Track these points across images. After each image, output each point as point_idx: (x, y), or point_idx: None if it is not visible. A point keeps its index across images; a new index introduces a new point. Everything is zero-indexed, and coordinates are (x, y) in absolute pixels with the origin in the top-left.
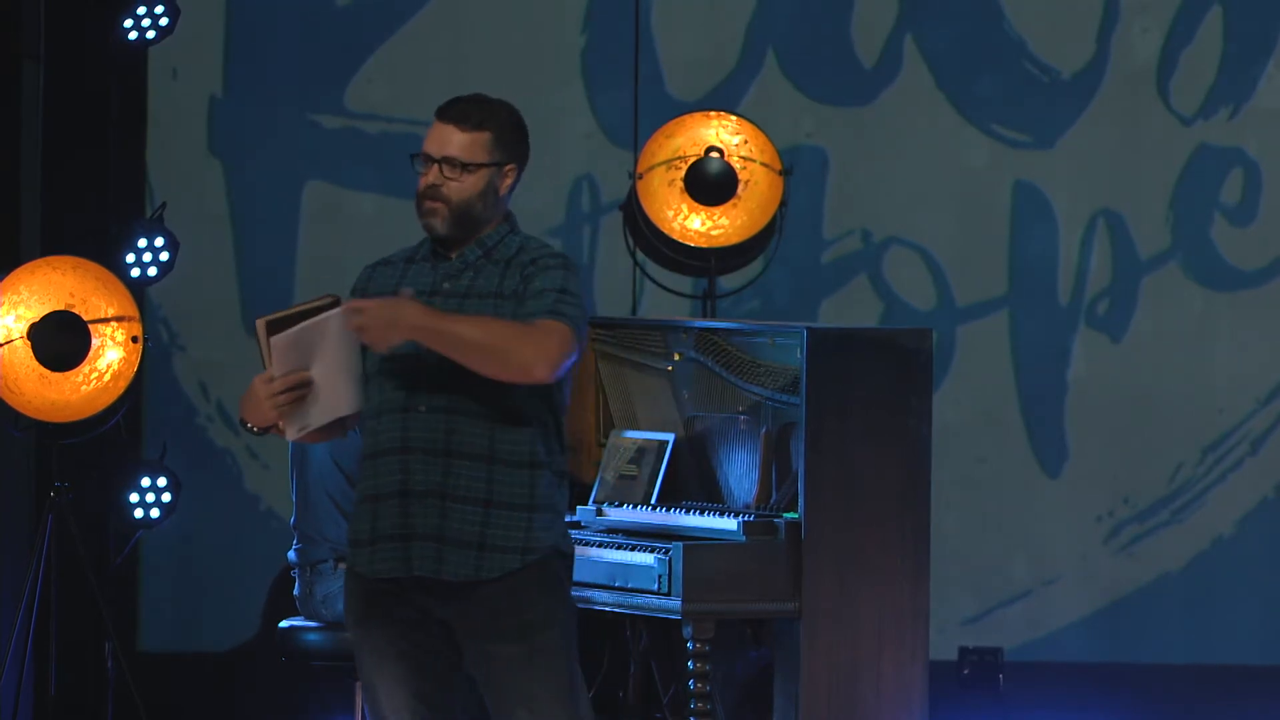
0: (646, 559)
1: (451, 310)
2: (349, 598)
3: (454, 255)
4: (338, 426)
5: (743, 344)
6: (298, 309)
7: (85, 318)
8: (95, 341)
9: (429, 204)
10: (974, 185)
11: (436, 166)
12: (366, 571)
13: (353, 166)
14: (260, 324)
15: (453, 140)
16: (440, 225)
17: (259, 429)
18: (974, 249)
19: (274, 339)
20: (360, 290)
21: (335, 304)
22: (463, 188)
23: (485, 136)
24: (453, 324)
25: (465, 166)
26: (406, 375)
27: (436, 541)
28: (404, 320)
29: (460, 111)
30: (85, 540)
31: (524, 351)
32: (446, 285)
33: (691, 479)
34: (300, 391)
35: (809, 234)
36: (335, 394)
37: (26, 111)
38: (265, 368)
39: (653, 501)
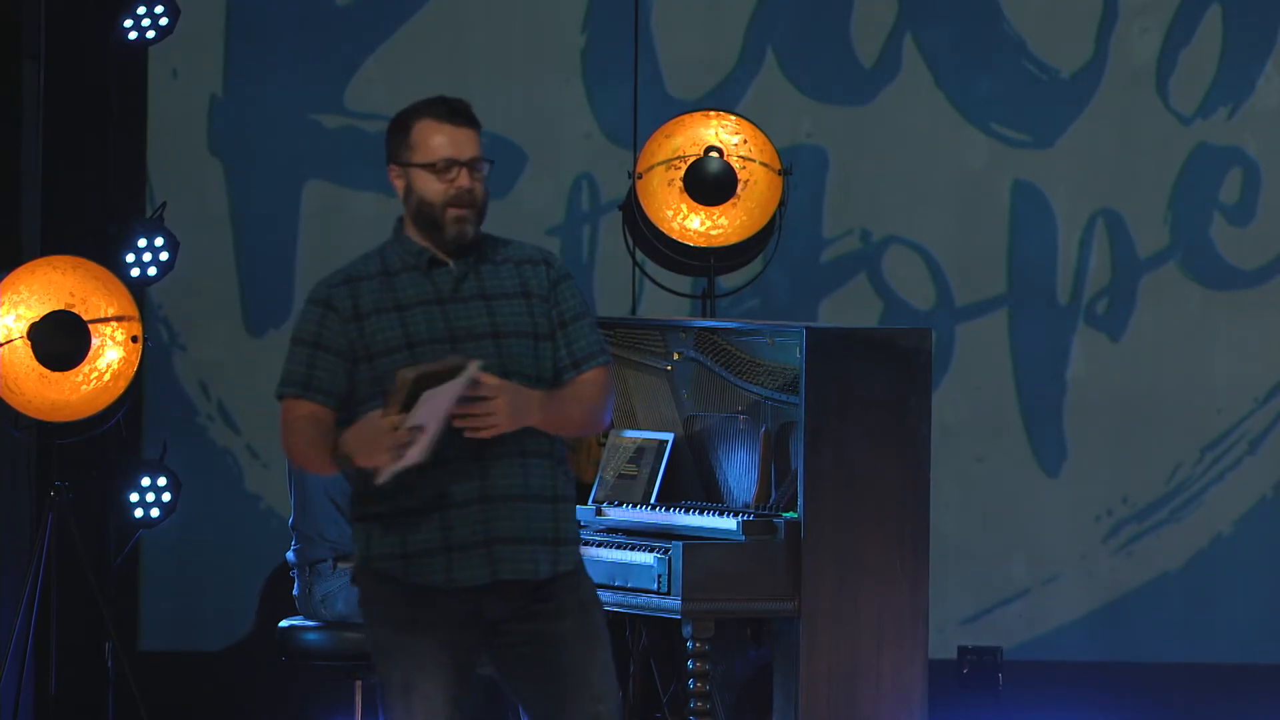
0: (646, 558)
1: (478, 313)
2: (388, 604)
3: (452, 261)
4: None
5: (742, 343)
6: (432, 369)
7: (85, 317)
8: (95, 341)
9: (463, 210)
10: (973, 184)
11: (466, 170)
12: (441, 582)
13: (353, 166)
14: (410, 375)
15: (474, 141)
16: (471, 230)
17: (353, 468)
18: (973, 248)
19: (427, 394)
20: (349, 310)
21: (460, 367)
22: (483, 187)
23: (478, 133)
24: (560, 409)
25: (488, 164)
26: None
27: (524, 543)
28: (531, 413)
29: (466, 112)
30: (85, 540)
31: (606, 414)
32: (462, 290)
33: (691, 478)
34: (408, 450)
35: (808, 233)
36: (426, 444)
37: (27, 111)
38: (388, 415)
39: (652, 501)
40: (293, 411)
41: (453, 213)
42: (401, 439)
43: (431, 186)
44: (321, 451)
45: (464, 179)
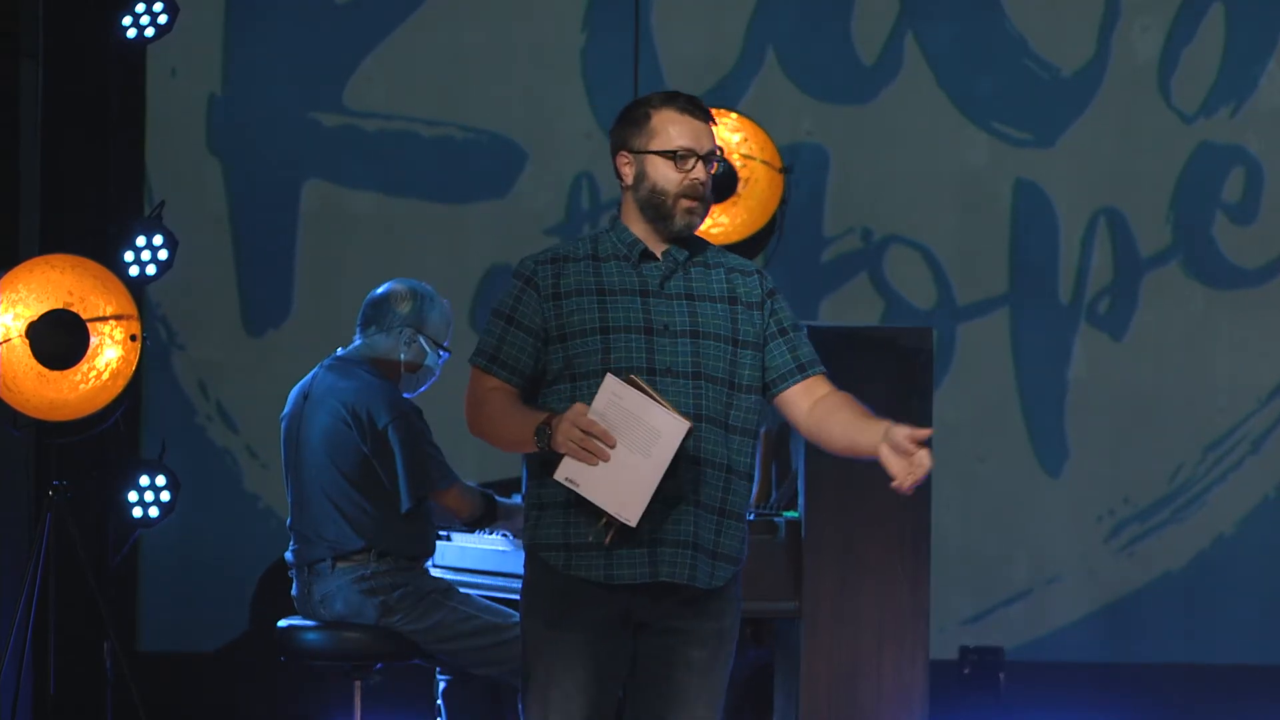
0: None
1: (680, 311)
2: (540, 597)
3: (661, 254)
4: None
5: None
6: (647, 389)
7: (84, 316)
8: (94, 340)
9: (694, 202)
10: (975, 183)
11: (702, 162)
12: (601, 577)
13: (352, 165)
14: (629, 376)
15: (711, 135)
16: (699, 222)
17: (549, 449)
18: (975, 247)
19: (611, 379)
20: (549, 288)
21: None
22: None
23: (712, 128)
24: None
25: (718, 161)
26: (654, 380)
27: (690, 548)
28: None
29: (704, 106)
30: (84, 539)
31: None
32: (668, 287)
33: None
34: (595, 447)
35: (809, 232)
36: (617, 485)
37: (25, 110)
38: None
39: None
40: (480, 383)
41: (685, 204)
42: (580, 425)
43: (667, 175)
44: (507, 424)
45: (699, 171)
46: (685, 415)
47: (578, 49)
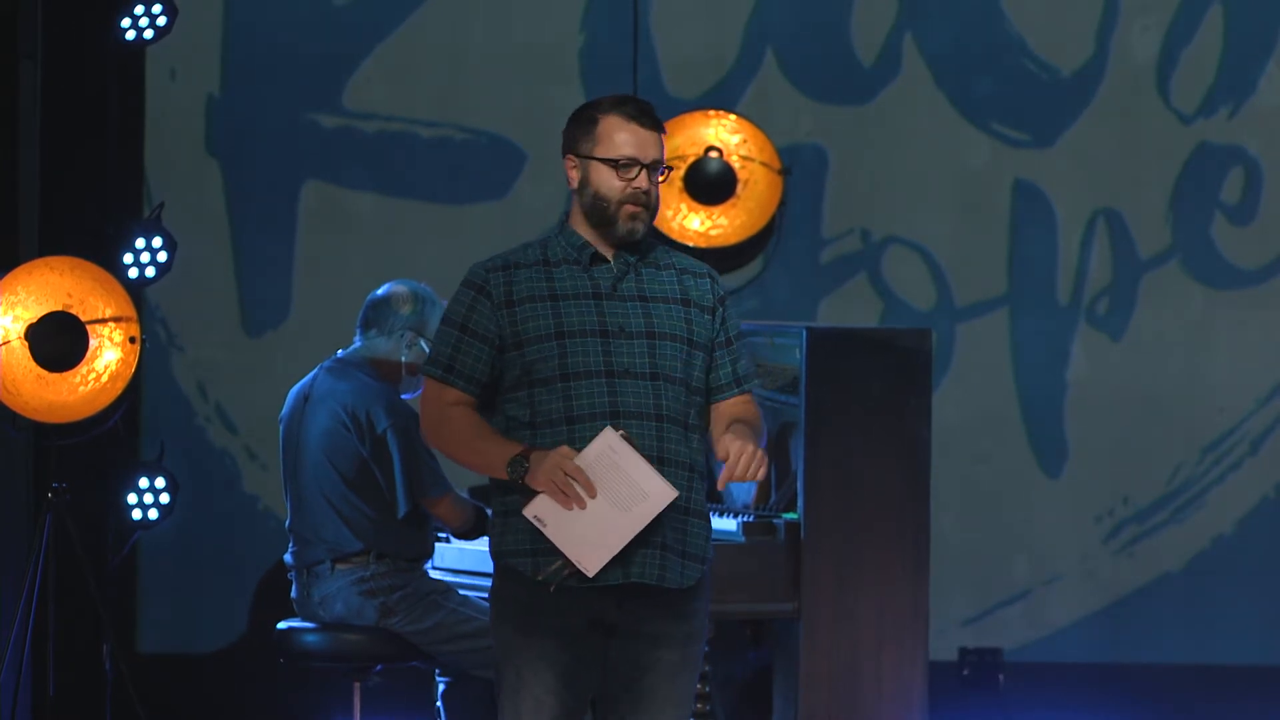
0: None
1: (635, 312)
2: (508, 604)
3: (611, 258)
4: (568, 561)
5: None
6: (635, 450)
7: (83, 318)
8: (93, 342)
9: (636, 209)
10: (974, 184)
11: (645, 171)
12: (575, 581)
13: (351, 166)
14: (623, 432)
15: (657, 143)
16: (642, 229)
17: (520, 480)
18: (973, 248)
19: (610, 431)
20: (501, 296)
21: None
22: (658, 192)
23: (661, 136)
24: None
25: (667, 169)
26: (613, 381)
27: (659, 549)
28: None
29: (652, 114)
30: (84, 541)
31: None
32: (621, 289)
33: None
34: (571, 494)
35: (808, 233)
36: (585, 534)
37: (24, 111)
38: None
39: None
40: (439, 395)
41: (627, 209)
42: (566, 470)
43: (610, 182)
44: (475, 448)
45: (642, 180)
46: (670, 484)
47: (576, 50)
